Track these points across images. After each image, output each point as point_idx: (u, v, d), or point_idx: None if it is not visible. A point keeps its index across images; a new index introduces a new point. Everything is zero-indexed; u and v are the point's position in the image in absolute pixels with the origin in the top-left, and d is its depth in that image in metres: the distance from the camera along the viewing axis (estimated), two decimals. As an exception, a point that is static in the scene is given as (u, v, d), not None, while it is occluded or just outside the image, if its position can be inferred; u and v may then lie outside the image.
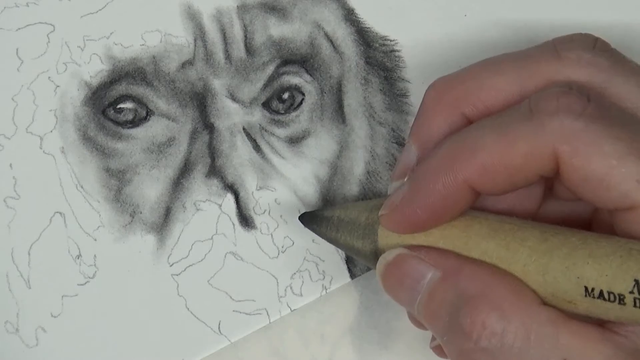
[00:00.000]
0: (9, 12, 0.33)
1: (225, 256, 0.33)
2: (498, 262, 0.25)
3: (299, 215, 0.32)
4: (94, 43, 0.33)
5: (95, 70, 0.33)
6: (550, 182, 0.27)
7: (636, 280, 0.22)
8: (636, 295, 0.22)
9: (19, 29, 0.33)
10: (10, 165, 0.33)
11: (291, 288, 0.33)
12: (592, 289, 0.23)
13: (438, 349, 0.28)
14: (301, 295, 0.33)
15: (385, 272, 0.27)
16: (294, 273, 0.33)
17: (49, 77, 0.33)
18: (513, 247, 0.25)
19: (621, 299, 0.23)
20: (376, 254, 0.28)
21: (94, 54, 0.33)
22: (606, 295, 0.23)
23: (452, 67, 0.34)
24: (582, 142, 0.23)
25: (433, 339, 0.29)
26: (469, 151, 0.24)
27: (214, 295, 0.33)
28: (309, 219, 0.31)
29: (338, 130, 0.34)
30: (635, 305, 0.23)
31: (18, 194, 0.33)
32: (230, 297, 0.33)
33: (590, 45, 0.26)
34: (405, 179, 0.27)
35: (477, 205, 0.27)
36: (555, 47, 0.26)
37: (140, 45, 0.33)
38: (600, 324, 0.24)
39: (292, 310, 0.33)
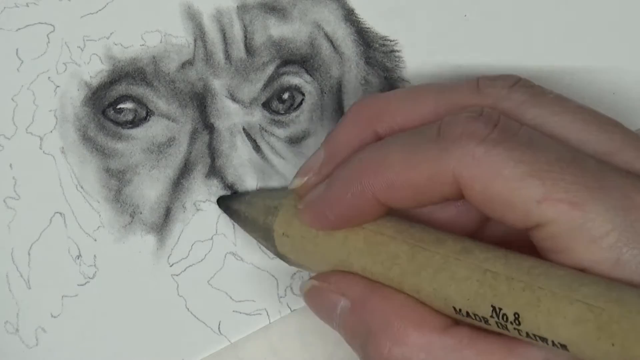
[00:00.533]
0: (8, 12, 0.33)
1: (225, 256, 0.33)
2: (379, 279, 0.26)
3: (217, 198, 0.33)
4: (94, 43, 0.33)
5: (95, 70, 0.33)
6: None
7: (493, 307, 0.23)
8: (496, 319, 0.23)
9: (19, 29, 0.33)
10: (10, 165, 0.33)
11: (291, 288, 0.33)
12: (460, 309, 0.24)
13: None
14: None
15: (305, 297, 0.29)
16: (294, 273, 0.33)
17: (49, 78, 0.33)
18: (386, 265, 0.26)
19: (485, 321, 0.23)
20: (279, 254, 0.30)
21: (94, 54, 0.33)
22: (473, 316, 0.24)
23: (452, 67, 0.34)
24: (482, 167, 0.23)
25: None
26: (377, 167, 0.25)
27: (214, 295, 0.33)
28: (223, 205, 0.32)
29: (338, 131, 0.34)
30: (498, 327, 0.23)
31: (18, 194, 0.33)
32: (230, 298, 0.33)
33: (510, 83, 0.27)
34: (306, 179, 0.28)
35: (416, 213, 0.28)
36: (478, 82, 0.27)
37: (140, 45, 0.33)
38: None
39: (292, 311, 0.33)
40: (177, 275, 0.33)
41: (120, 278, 0.33)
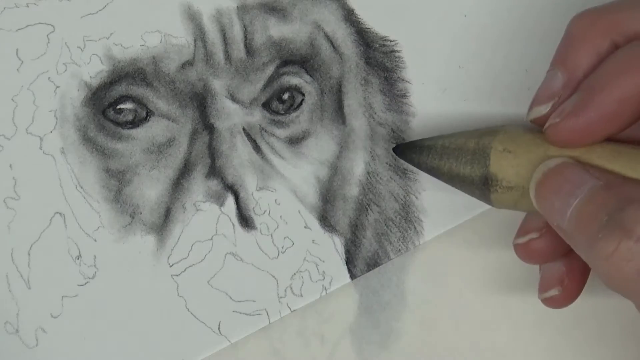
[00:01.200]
0: (8, 13, 0.33)
1: (225, 257, 0.33)
2: None
3: (393, 147, 0.32)
4: (93, 43, 0.33)
5: (95, 70, 0.33)
6: None
7: None
8: None
9: (19, 29, 0.33)
10: (10, 165, 0.33)
11: (291, 288, 0.33)
12: None
13: (549, 300, 0.29)
14: (301, 295, 0.33)
15: (543, 178, 0.27)
16: (294, 274, 0.33)
17: (49, 78, 0.33)
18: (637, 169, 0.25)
19: None
20: (486, 179, 0.28)
21: (94, 54, 0.33)
22: None
23: (452, 68, 0.34)
24: None
25: (542, 290, 0.30)
26: None
27: (214, 295, 0.33)
28: (405, 150, 0.32)
29: (338, 131, 0.34)
30: None
31: (18, 195, 0.33)
32: (230, 298, 0.33)
33: None
34: (551, 104, 0.27)
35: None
36: None
37: (140, 45, 0.33)
38: None
39: (292, 311, 0.33)
40: (177, 276, 0.33)
41: (120, 278, 0.33)
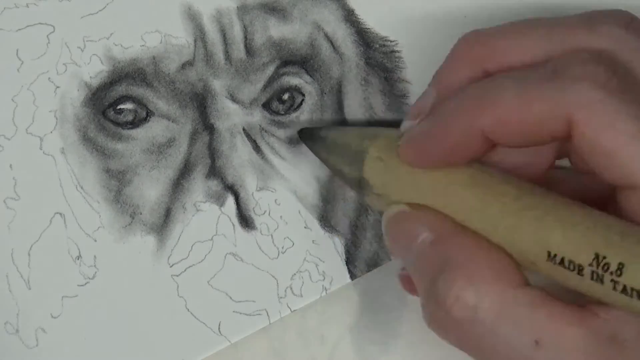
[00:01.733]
0: (8, 13, 0.33)
1: (225, 257, 0.33)
2: (473, 217, 0.26)
3: (298, 130, 0.33)
4: (94, 44, 0.33)
5: (95, 71, 0.33)
6: (565, 148, 0.27)
7: (596, 255, 0.23)
8: (594, 268, 0.23)
9: (19, 29, 0.33)
10: (10, 166, 0.33)
11: (291, 289, 0.33)
12: (555, 255, 0.24)
13: (404, 279, 0.30)
14: (301, 296, 0.33)
15: (386, 225, 0.28)
16: (294, 274, 0.33)
17: (49, 78, 0.33)
18: (487, 200, 0.25)
19: (580, 270, 0.23)
20: (360, 182, 0.29)
21: (94, 54, 0.33)
22: (567, 264, 0.23)
23: (452, 68, 0.34)
24: (597, 113, 0.23)
25: (402, 267, 0.30)
26: (489, 102, 0.25)
27: (214, 296, 0.33)
28: (307, 135, 0.32)
29: (338, 131, 0.34)
30: (592, 279, 0.23)
31: (18, 195, 0.33)
32: (230, 298, 0.33)
33: (625, 22, 0.26)
34: (417, 121, 0.27)
35: (486, 157, 0.27)
36: (590, 18, 0.26)
37: (140, 46, 0.33)
38: (583, 305, 0.24)
39: (292, 311, 0.33)
40: (177, 276, 0.33)
41: (120, 279, 0.33)
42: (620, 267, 0.22)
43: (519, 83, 0.24)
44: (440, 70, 0.28)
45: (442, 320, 0.25)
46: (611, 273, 0.23)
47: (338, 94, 0.34)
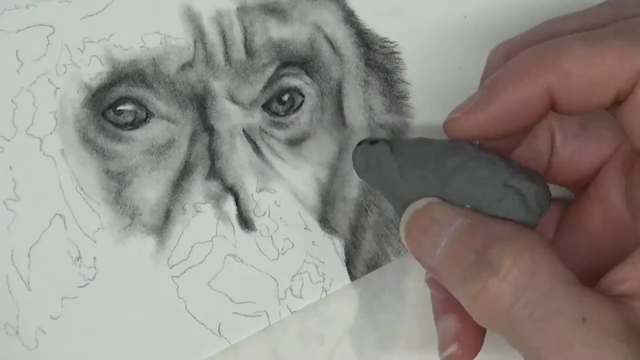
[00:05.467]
0: (8, 14, 0.33)
1: (225, 258, 0.33)
2: None
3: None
4: (93, 45, 0.33)
5: (95, 72, 0.33)
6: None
7: None
8: None
9: (19, 30, 0.33)
10: (10, 167, 0.33)
11: (291, 290, 0.33)
12: None
13: (450, 358, 0.28)
14: (301, 297, 0.33)
15: (411, 219, 0.27)
16: (294, 275, 0.33)
17: (49, 79, 0.33)
18: None
19: None
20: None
21: (94, 55, 0.33)
22: None
23: (452, 70, 0.34)
24: None
25: (441, 348, 0.29)
26: (555, 55, 0.24)
27: (214, 297, 0.33)
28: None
29: (338, 132, 0.34)
30: None
31: (18, 196, 0.33)
32: (230, 299, 0.33)
33: None
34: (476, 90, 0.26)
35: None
36: (610, 4, 0.26)
37: (140, 47, 0.33)
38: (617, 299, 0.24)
39: (292, 312, 0.33)
40: (177, 277, 0.33)
41: (120, 280, 0.33)
42: None
43: (587, 37, 0.23)
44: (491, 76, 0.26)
45: (493, 289, 0.23)
46: None
47: (338, 95, 0.34)
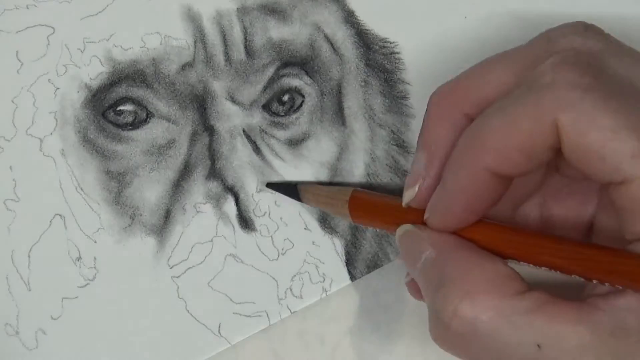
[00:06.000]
0: (8, 15, 0.33)
1: (225, 258, 0.33)
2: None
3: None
4: (93, 45, 0.33)
5: (95, 72, 0.33)
6: (555, 162, 0.28)
7: None
8: None
9: (19, 31, 0.33)
10: (10, 167, 0.33)
11: (291, 290, 0.33)
12: None
13: (411, 284, 0.30)
14: (301, 297, 0.33)
15: (398, 242, 0.28)
16: (294, 275, 0.33)
17: (49, 80, 0.33)
18: None
19: None
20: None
21: (94, 56, 0.33)
22: None
23: (452, 70, 0.34)
24: (578, 112, 0.23)
25: (407, 274, 0.31)
26: (479, 140, 0.25)
27: (214, 297, 0.33)
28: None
29: (338, 133, 0.34)
30: None
31: (18, 197, 0.33)
32: (230, 300, 0.33)
33: (581, 30, 0.26)
34: (417, 186, 0.28)
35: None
36: (548, 36, 0.26)
37: (140, 47, 0.33)
38: (585, 298, 0.24)
39: (292, 313, 0.33)
40: (177, 277, 0.33)
41: (120, 280, 0.33)
42: None
43: (500, 110, 0.24)
44: (422, 131, 0.28)
45: (444, 335, 0.25)
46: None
47: (338, 95, 0.34)
